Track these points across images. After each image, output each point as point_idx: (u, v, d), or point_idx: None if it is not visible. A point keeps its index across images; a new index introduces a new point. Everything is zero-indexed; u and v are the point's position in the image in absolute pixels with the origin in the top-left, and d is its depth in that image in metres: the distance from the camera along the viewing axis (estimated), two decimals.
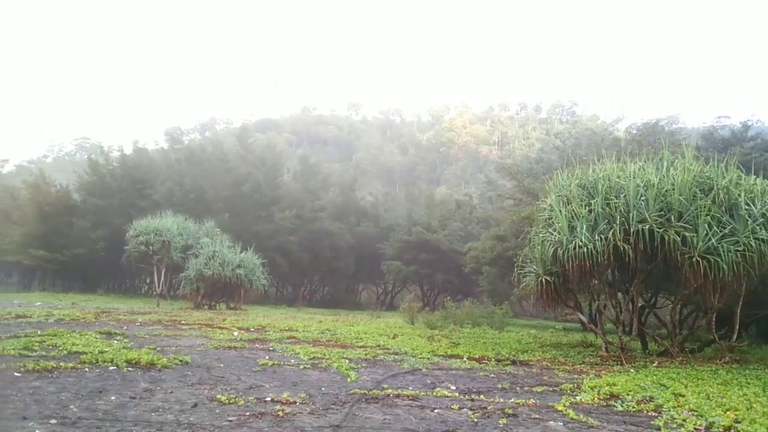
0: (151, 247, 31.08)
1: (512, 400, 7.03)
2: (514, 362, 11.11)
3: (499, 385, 8.17)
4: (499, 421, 5.86)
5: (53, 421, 5.21)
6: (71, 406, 5.79)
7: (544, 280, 12.49)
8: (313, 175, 52.13)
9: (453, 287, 41.84)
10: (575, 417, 6.18)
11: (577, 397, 7.37)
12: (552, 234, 12.34)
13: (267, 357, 9.99)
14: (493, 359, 11.22)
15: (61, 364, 8.01)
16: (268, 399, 6.55)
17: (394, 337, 14.75)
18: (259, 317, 21.23)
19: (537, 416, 6.20)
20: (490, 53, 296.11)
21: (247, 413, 5.83)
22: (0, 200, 53.68)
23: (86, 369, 7.91)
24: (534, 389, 7.99)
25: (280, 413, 5.83)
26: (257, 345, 11.94)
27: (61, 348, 9.49)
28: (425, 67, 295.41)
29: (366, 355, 10.87)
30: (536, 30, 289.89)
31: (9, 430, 4.88)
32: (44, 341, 10.22)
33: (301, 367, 9.14)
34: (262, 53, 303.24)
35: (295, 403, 6.41)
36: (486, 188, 53.95)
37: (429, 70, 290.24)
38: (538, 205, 16.09)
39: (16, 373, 7.30)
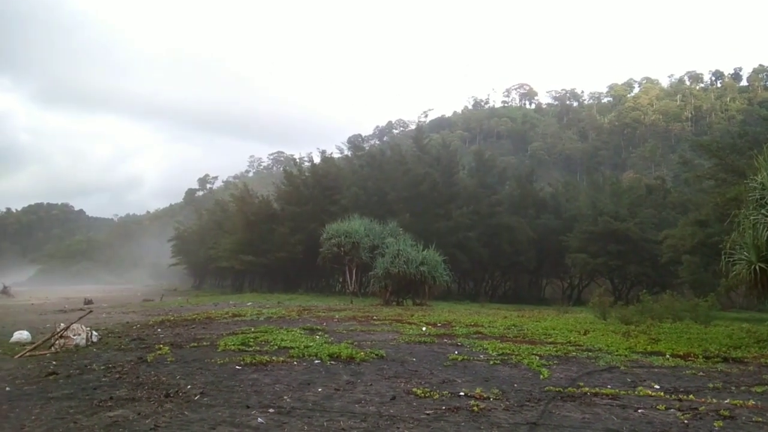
0: (342, 249, 33.45)
1: (727, 400, 6.43)
2: (725, 359, 10.08)
3: (710, 385, 7.50)
4: (714, 424, 5.39)
5: (271, 410, 5.88)
6: (285, 397, 6.47)
7: (758, 267, 11.33)
8: (488, 170, 51.75)
9: (648, 279, 38.83)
10: None
11: None
12: (765, 216, 11.03)
13: (456, 352, 10.19)
14: (700, 356, 10.27)
15: (273, 358, 8.99)
16: (462, 394, 6.71)
17: (585, 333, 14.14)
18: (444, 313, 21.65)
19: (760, 419, 5.59)
20: (677, 18, 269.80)
21: (443, 407, 6.04)
22: (213, 213, 61.75)
23: (295, 362, 8.77)
24: (753, 389, 7.22)
25: (475, 408, 5.94)
26: (445, 340, 12.23)
27: (272, 343, 10.62)
28: (603, 45, 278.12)
29: (557, 351, 10.59)
30: None
31: (236, 417, 5.61)
32: (257, 337, 11.52)
33: (491, 362, 9.19)
34: (434, 53, 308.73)
35: (488, 398, 6.48)
36: (681, 169, 49.63)
37: (607, 48, 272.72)
38: (746, 184, 14.43)
39: (237, 366, 8.34)
